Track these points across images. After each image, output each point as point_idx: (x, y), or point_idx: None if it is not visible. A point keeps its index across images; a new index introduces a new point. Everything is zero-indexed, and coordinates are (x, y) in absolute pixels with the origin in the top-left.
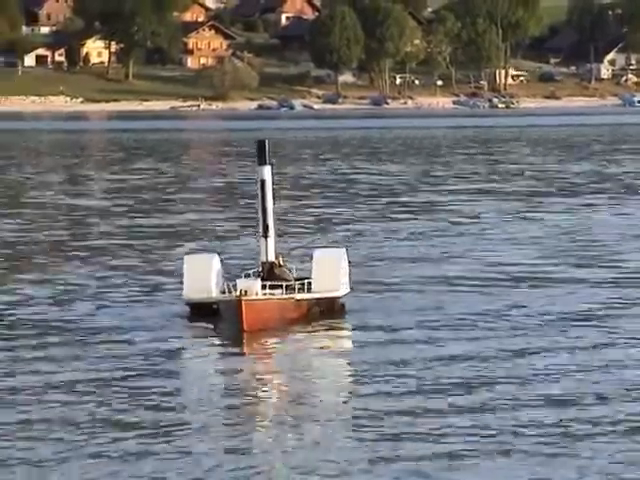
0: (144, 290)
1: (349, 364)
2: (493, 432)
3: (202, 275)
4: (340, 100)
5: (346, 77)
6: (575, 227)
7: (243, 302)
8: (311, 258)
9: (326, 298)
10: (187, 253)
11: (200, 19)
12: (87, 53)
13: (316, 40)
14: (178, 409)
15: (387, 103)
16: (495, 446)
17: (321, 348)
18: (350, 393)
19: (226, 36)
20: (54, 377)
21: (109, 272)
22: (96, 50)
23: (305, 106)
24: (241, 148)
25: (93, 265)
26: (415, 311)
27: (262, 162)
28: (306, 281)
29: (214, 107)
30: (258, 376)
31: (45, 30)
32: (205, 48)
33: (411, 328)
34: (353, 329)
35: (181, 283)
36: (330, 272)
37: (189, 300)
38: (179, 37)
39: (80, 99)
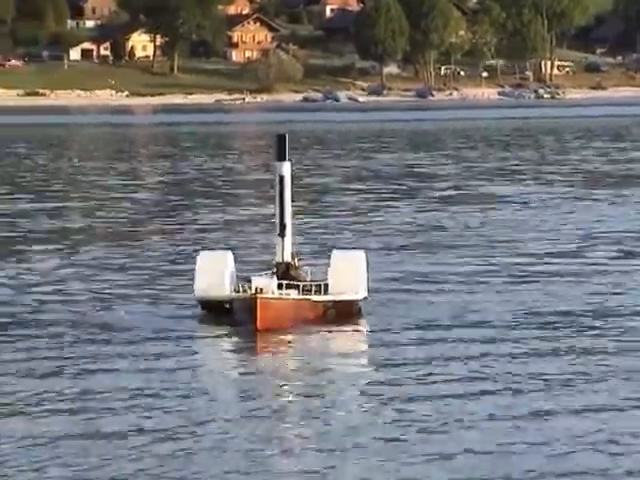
0: (157, 286)
1: (363, 368)
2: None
3: (214, 272)
4: (385, 92)
5: (391, 69)
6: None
7: (258, 300)
8: (329, 259)
9: (343, 301)
10: (201, 249)
11: (245, 12)
12: (132, 47)
13: (361, 32)
14: (191, 410)
15: (432, 95)
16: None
17: (335, 351)
18: (363, 397)
19: (271, 28)
20: (65, 376)
21: (123, 267)
22: (141, 44)
23: (350, 98)
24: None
25: (107, 260)
26: (438, 317)
27: (281, 158)
28: (323, 283)
29: (259, 100)
30: (270, 378)
31: (90, 24)
32: (250, 41)
33: (430, 337)
34: (369, 333)
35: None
36: (348, 274)
37: (200, 297)
38: (224, 30)
39: (126, 93)
